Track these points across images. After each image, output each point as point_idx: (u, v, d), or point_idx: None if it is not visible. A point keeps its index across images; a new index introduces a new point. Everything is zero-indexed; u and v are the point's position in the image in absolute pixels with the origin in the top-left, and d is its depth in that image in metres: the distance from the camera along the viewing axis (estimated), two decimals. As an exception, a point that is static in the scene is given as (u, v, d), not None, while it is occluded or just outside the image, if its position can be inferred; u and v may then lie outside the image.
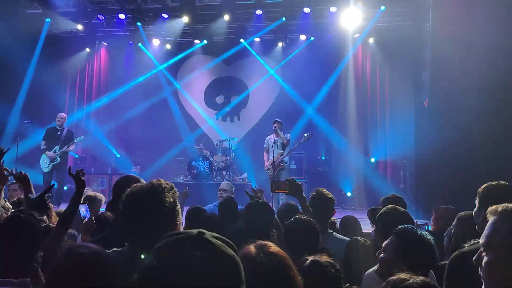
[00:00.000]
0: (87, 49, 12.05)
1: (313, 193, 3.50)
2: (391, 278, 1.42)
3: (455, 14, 6.60)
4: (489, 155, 5.96)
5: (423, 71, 7.58)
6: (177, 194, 1.75)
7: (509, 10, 6.13)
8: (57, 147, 8.44)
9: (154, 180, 1.75)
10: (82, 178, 2.79)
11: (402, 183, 9.85)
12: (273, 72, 11.96)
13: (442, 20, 6.82)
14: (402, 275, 1.39)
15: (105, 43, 12.27)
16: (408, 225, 2.02)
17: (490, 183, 2.38)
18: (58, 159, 8.41)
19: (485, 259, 1.31)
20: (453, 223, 2.94)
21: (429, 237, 1.92)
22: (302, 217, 2.72)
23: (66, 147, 8.45)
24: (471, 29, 6.34)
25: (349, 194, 10.20)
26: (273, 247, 1.49)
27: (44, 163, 8.44)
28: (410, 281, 1.35)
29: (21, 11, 9.94)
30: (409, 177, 9.44)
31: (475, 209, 2.40)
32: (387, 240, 1.92)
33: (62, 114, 8.79)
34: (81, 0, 10.36)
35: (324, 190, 3.51)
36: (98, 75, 12.59)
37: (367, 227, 4.91)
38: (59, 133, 8.57)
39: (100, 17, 10.82)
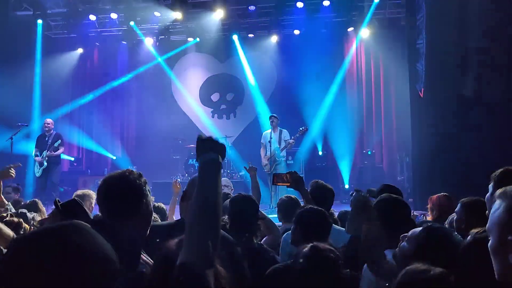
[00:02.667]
0: (80, 50, 11.98)
1: (312, 185, 3.49)
2: (409, 267, 1.41)
3: (448, 3, 6.58)
4: (487, 145, 5.96)
5: (418, 61, 7.56)
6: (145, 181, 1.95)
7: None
8: (44, 152, 8.66)
9: (125, 169, 1.97)
10: None
11: (399, 175, 9.86)
12: (266, 65, 11.93)
13: (436, 10, 6.80)
14: (421, 266, 1.38)
15: (97, 43, 12.20)
16: (441, 225, 1.96)
17: (506, 167, 2.30)
18: (45, 163, 8.63)
19: (489, 242, 1.29)
20: (456, 209, 2.90)
21: (459, 239, 1.82)
22: (316, 207, 2.71)
23: (51, 151, 8.64)
24: (466, 17, 6.33)
25: (346, 186, 10.21)
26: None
27: (36, 169, 8.75)
28: (431, 273, 1.33)
29: (10, 13, 9.85)
30: (406, 168, 9.45)
31: (487, 194, 2.31)
32: (414, 231, 1.85)
33: (48, 120, 8.99)
34: (72, 0, 10.28)
35: (321, 181, 3.51)
36: (91, 75, 12.53)
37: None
38: (46, 138, 8.81)
39: (92, 17, 10.74)
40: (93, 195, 4.39)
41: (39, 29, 10.45)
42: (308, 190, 3.45)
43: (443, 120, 6.68)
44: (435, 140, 6.86)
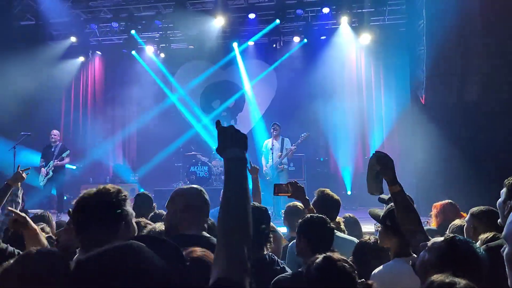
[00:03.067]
0: (81, 58, 12.05)
1: (318, 194, 3.47)
2: (434, 279, 1.40)
3: (448, 9, 6.62)
4: (489, 150, 5.97)
5: (418, 68, 7.60)
6: (125, 197, 1.79)
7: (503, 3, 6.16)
8: (51, 163, 8.94)
9: (101, 186, 1.79)
10: None
11: (401, 181, 9.84)
12: (266, 73, 11.97)
13: (436, 16, 6.84)
14: (446, 277, 1.37)
15: (98, 52, 12.27)
16: (464, 238, 1.92)
17: None
18: (51, 173, 8.93)
19: (506, 250, 1.30)
20: (465, 218, 2.91)
21: (482, 252, 1.79)
22: (318, 215, 2.71)
23: (57, 161, 8.94)
24: (466, 23, 6.37)
25: (349, 192, 10.19)
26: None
27: (41, 178, 8.97)
28: (457, 286, 1.32)
29: (14, 23, 9.91)
30: (409, 174, 9.43)
31: (500, 200, 2.29)
32: (435, 241, 1.83)
33: (54, 132, 9.30)
34: (74, 10, 10.34)
35: (328, 190, 3.49)
36: (93, 83, 12.59)
37: (367, 227, 4.91)
38: (52, 149, 9.10)
39: (93, 26, 10.79)
40: None
41: (40, 37, 10.49)
42: (314, 199, 3.44)
43: (445, 126, 6.70)
44: (438, 146, 6.87)
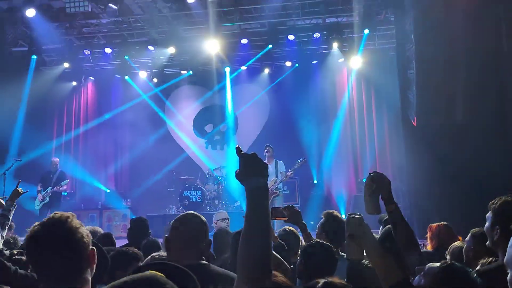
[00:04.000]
0: (74, 83, 12.08)
1: (326, 216, 3.40)
2: None
3: (436, 34, 6.77)
4: (482, 171, 6.01)
5: (409, 90, 7.71)
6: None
7: (488, 26, 6.32)
8: (48, 189, 9.18)
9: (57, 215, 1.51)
10: None
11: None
12: (259, 96, 12.08)
13: (424, 40, 6.99)
14: None
15: (91, 78, 12.32)
16: (460, 264, 1.90)
17: (505, 198, 2.24)
18: (48, 199, 9.15)
19: (508, 276, 1.29)
20: (466, 239, 2.89)
21: (477, 279, 1.77)
22: (321, 241, 2.67)
23: (55, 187, 9.16)
24: (453, 46, 6.51)
25: (343, 216, 10.11)
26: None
27: (37, 203, 9.20)
28: None
29: (6, 49, 9.94)
30: (402, 196, 9.44)
31: (487, 225, 2.28)
32: (431, 266, 1.81)
33: (55, 159, 9.66)
34: (67, 36, 10.42)
35: (336, 212, 3.44)
36: (85, 108, 12.59)
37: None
38: (51, 175, 9.33)
39: (87, 52, 10.86)
40: (101, 231, 4.33)
41: (32, 64, 10.51)
42: (321, 221, 3.36)
43: (437, 148, 6.75)
44: (430, 167, 6.90)
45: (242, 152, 1.46)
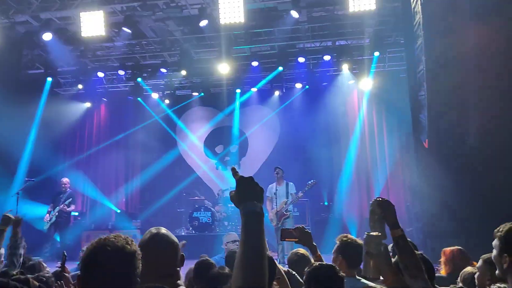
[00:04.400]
0: (87, 104, 12.28)
1: (343, 240, 3.34)
2: None
3: (447, 56, 6.78)
4: (496, 193, 5.91)
5: (420, 113, 7.68)
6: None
7: (497, 46, 6.32)
8: (56, 208, 9.21)
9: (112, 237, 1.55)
10: None
11: (407, 226, 9.69)
12: (269, 118, 12.13)
13: (436, 63, 6.99)
14: None
15: (104, 99, 12.53)
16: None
17: (510, 225, 2.17)
18: (54, 218, 9.19)
19: None
20: (477, 265, 2.83)
21: None
22: (325, 263, 2.64)
23: (61, 206, 9.17)
24: (464, 69, 6.51)
25: (358, 239, 9.95)
26: None
27: (44, 223, 9.21)
28: None
29: (23, 72, 10.18)
30: (415, 219, 9.30)
31: (495, 253, 2.22)
32: None
33: (64, 180, 9.71)
34: (82, 59, 10.65)
35: (351, 236, 3.38)
36: (98, 129, 12.73)
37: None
38: (61, 195, 9.38)
39: (100, 74, 11.06)
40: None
41: (47, 85, 10.72)
42: (337, 246, 3.31)
43: (450, 170, 6.66)
44: (443, 190, 6.81)
45: (238, 174, 1.43)
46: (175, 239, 2.00)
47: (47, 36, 8.70)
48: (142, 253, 1.61)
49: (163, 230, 2.01)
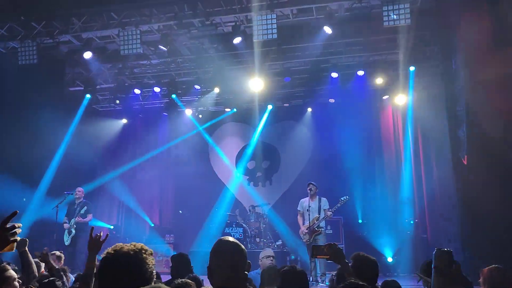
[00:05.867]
0: (124, 120, 12.64)
1: (355, 257, 3.34)
2: None
3: (485, 72, 6.59)
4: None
5: (459, 128, 7.46)
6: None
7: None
8: (72, 220, 8.93)
9: (134, 245, 1.85)
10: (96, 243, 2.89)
11: (446, 245, 9.34)
12: (302, 133, 12.08)
13: (473, 78, 6.81)
14: None
15: (140, 115, 12.87)
16: None
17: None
18: (73, 231, 8.88)
19: None
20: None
21: None
22: (357, 281, 2.58)
23: (77, 218, 8.88)
24: (506, 81, 6.30)
25: (390, 259, 9.67)
26: None
27: (65, 237, 8.92)
28: None
29: (65, 90, 10.62)
30: (454, 239, 8.96)
31: None
32: None
33: (79, 189, 9.31)
34: (119, 76, 11.00)
35: (363, 253, 3.37)
36: (133, 143, 13.05)
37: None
38: (75, 206, 9.08)
39: (137, 91, 11.39)
40: None
41: (85, 101, 11.09)
42: (350, 264, 3.30)
43: (490, 188, 6.41)
44: (483, 208, 6.55)
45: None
46: None
47: (87, 55, 9.06)
48: (222, 258, 1.95)
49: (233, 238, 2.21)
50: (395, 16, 7.19)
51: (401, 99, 10.66)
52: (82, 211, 8.92)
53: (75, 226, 8.84)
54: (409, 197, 10.59)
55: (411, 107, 10.55)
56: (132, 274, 1.77)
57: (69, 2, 8.15)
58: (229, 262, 2.05)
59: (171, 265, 4.49)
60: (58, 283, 3.48)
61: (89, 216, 9.08)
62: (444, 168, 9.33)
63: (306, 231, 8.03)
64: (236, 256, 2.08)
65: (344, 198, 8.09)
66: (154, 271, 1.88)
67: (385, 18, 7.47)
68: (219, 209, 11.48)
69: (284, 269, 3.24)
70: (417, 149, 10.78)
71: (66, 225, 8.88)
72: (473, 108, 6.83)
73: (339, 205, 8.07)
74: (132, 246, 1.87)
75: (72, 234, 8.85)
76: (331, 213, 8.03)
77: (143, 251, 1.85)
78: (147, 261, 1.83)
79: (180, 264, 4.36)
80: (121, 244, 1.89)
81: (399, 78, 10.04)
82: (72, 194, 8.99)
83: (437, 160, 10.06)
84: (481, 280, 3.84)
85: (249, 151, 12.75)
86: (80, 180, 10.43)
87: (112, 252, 1.84)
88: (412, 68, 9.68)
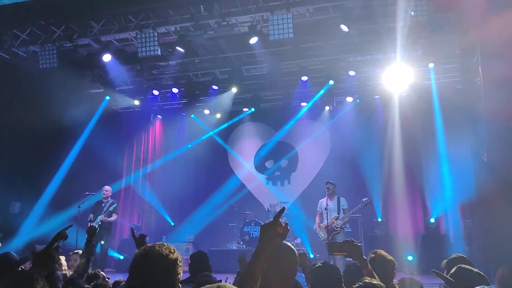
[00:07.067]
0: (143, 121, 12.83)
1: (371, 255, 3.35)
2: None
3: (505, 66, 6.46)
4: None
5: (479, 125, 7.33)
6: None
7: None
8: (98, 217, 8.97)
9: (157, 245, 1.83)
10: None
11: (467, 244, 9.19)
12: (320, 132, 12.04)
13: (493, 73, 6.68)
14: None
15: (159, 116, 13.04)
16: None
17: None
18: (98, 228, 8.74)
19: None
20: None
21: None
22: (373, 281, 2.59)
23: (103, 216, 8.94)
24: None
25: (410, 258, 9.57)
26: None
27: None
28: None
29: (85, 91, 10.85)
30: (475, 237, 8.81)
31: None
32: None
33: (106, 187, 9.45)
34: (138, 78, 11.17)
35: (383, 252, 3.36)
36: (153, 144, 13.26)
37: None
38: (103, 205, 9.19)
39: (155, 92, 11.53)
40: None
41: (104, 103, 11.31)
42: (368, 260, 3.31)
43: (510, 185, 6.28)
44: (503, 205, 6.42)
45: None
46: None
47: (106, 57, 9.22)
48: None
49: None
50: (412, 13, 7.10)
51: (420, 96, 10.48)
52: (111, 208, 9.02)
53: (100, 223, 8.89)
54: (430, 196, 10.45)
55: (437, 103, 10.32)
56: (164, 280, 1.77)
57: (88, 7, 8.30)
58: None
59: (189, 262, 4.55)
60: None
61: (114, 216, 9.20)
62: (465, 165, 9.17)
63: (324, 229, 8.03)
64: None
65: (365, 200, 8.04)
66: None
67: (401, 16, 7.38)
68: (238, 208, 11.53)
69: (316, 265, 3.26)
70: (435, 146, 10.60)
71: (91, 224, 8.89)
72: (492, 105, 6.70)
73: (360, 206, 8.01)
74: (168, 250, 1.84)
75: (97, 231, 8.96)
76: (347, 218, 8.07)
77: (178, 261, 1.86)
78: (179, 270, 1.84)
79: (199, 263, 4.41)
80: (159, 243, 1.88)
81: (418, 75, 9.91)
82: (93, 194, 9.16)
83: (456, 156, 9.88)
84: (496, 280, 3.80)
85: (268, 150, 12.78)
86: (104, 180, 10.63)
87: (152, 250, 1.82)
88: (431, 65, 9.52)
